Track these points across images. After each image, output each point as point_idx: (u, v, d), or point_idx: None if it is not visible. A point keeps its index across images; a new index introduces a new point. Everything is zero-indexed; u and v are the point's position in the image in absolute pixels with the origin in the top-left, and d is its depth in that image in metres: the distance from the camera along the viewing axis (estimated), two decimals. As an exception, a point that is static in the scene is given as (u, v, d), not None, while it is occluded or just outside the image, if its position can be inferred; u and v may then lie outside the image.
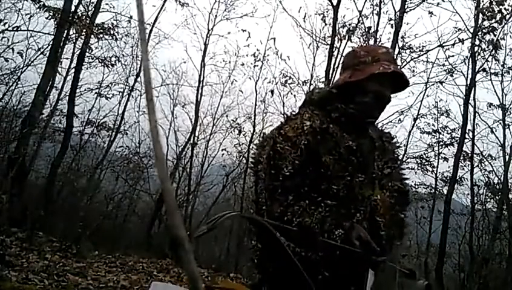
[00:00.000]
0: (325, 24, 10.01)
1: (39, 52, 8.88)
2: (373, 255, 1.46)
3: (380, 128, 1.86)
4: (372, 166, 1.69)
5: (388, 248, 1.61)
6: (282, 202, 1.53)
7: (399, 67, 1.80)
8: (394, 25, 8.99)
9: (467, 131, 9.90)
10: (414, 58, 9.84)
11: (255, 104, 11.85)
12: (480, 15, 9.13)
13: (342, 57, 1.98)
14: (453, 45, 9.56)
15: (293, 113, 1.72)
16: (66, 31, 8.81)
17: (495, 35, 9.31)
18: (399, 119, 10.37)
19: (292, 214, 1.51)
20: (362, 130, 1.70)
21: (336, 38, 9.33)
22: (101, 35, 9.67)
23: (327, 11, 9.88)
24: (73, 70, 9.69)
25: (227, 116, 12.35)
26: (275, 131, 1.66)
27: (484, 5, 9.04)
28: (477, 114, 10.12)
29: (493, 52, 9.58)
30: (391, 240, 1.65)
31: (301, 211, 1.51)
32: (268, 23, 17.05)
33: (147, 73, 0.45)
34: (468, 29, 9.39)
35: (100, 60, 10.21)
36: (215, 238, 11.22)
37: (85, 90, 10.61)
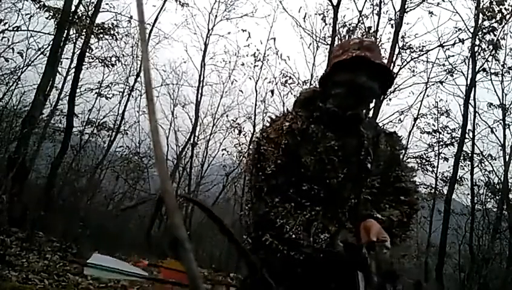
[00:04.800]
0: (326, 24, 10.04)
1: (39, 52, 8.90)
2: (358, 257, 1.45)
3: (381, 127, 1.77)
4: (356, 166, 1.61)
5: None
6: (268, 203, 1.54)
7: (380, 55, 1.70)
8: (394, 25, 9.00)
9: (467, 131, 9.91)
10: (414, 58, 9.86)
11: (255, 104, 11.92)
12: (480, 15, 9.12)
13: None
14: (453, 44, 9.58)
15: (278, 115, 1.71)
16: (66, 31, 8.81)
17: (495, 35, 9.32)
18: (399, 119, 10.41)
19: (276, 215, 1.52)
20: (349, 128, 1.63)
21: (337, 38, 9.34)
22: (101, 35, 9.66)
23: (327, 11, 9.91)
24: (73, 70, 9.70)
25: (227, 116, 12.40)
26: (259, 134, 1.69)
27: (484, 5, 9.04)
28: (477, 114, 10.14)
29: (493, 52, 9.57)
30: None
31: (285, 212, 1.52)
32: (268, 23, 17.12)
33: (147, 73, 0.45)
34: (468, 29, 9.40)
35: (100, 60, 10.21)
36: (215, 238, 11.21)
37: (85, 90, 10.64)
